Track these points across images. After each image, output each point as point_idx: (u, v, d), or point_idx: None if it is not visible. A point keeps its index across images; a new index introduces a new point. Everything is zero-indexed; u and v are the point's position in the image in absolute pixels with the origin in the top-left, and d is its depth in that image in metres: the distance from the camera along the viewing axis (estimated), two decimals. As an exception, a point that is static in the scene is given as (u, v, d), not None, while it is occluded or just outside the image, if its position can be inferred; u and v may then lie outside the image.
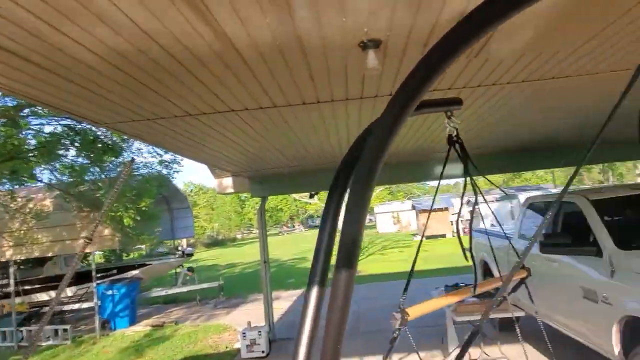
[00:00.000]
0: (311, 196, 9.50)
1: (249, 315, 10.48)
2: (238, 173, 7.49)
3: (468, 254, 2.12)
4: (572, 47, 2.73)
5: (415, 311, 1.83)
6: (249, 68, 2.56)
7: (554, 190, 28.42)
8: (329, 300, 0.74)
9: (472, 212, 2.52)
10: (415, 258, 2.22)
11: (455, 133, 1.81)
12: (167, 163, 11.01)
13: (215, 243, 48.53)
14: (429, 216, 3.85)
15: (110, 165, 9.55)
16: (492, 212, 2.88)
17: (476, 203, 2.22)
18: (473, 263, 2.30)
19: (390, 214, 39.59)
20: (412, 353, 5.91)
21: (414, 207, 34.74)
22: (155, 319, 11.12)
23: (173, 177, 12.60)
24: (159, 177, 10.73)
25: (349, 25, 2.12)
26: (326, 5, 1.90)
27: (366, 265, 18.22)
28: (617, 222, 4.38)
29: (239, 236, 59.14)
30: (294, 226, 64.43)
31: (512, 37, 2.44)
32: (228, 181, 8.34)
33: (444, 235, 28.36)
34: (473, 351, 6.17)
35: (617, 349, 3.95)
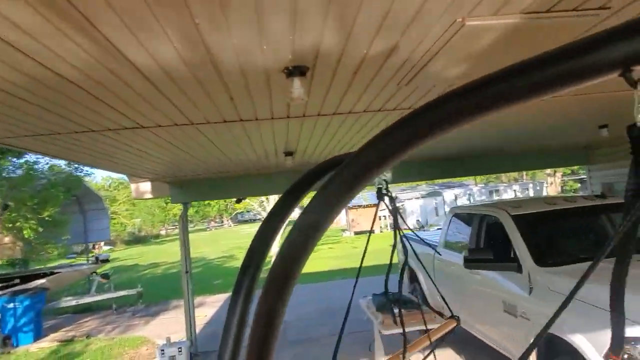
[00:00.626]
0: (238, 201, 9.11)
1: (169, 325, 9.92)
2: (157, 179, 6.94)
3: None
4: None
5: None
6: (156, 88, 2.22)
7: (475, 189, 30.18)
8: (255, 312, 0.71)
9: (395, 218, 2.37)
10: (361, 264, 2.11)
11: (384, 186, 1.63)
12: (77, 164, 10.00)
13: (136, 240, 45.99)
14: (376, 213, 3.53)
15: (10, 167, 8.49)
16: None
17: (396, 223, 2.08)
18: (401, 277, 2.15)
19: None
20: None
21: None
22: (64, 332, 10.14)
23: (88, 174, 11.43)
24: (67, 180, 9.73)
25: (271, 51, 1.86)
26: (241, 31, 1.63)
27: (295, 264, 18.10)
28: (536, 238, 4.52)
29: (163, 232, 56.57)
30: (222, 221, 62.81)
31: (445, 68, 2.32)
32: (146, 186, 7.72)
33: (373, 232, 29.06)
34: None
35: (534, 361, 4.09)
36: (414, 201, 29.12)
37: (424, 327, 5.94)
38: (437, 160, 7.55)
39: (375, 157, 0.72)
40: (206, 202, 56.70)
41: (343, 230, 32.49)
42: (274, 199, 17.39)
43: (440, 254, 6.40)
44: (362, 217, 29.00)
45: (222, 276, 16.50)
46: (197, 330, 7.99)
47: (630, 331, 3.10)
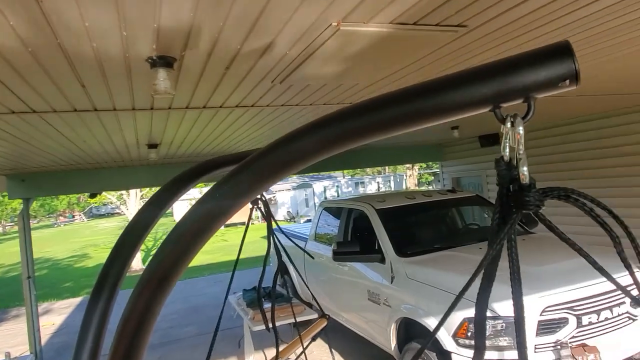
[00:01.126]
0: (92, 196, 8.22)
1: (11, 336, 8.62)
2: (-11, 170, 5.88)
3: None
4: (370, 81, 2.80)
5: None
6: (-17, 70, 1.83)
7: (343, 181, 31.77)
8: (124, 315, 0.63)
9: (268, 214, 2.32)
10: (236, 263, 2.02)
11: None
12: None
13: (-37, 239, 38.89)
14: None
15: None
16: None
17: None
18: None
19: (188, 201, 37.99)
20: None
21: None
22: None
23: None
24: None
25: (132, 38, 1.66)
26: (97, 13, 1.41)
27: (161, 260, 17.11)
28: (398, 230, 4.89)
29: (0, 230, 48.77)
30: (73, 216, 55.88)
31: (319, 69, 2.33)
32: (-26, 179, 6.50)
33: (244, 223, 28.80)
34: (269, 352, 6.28)
35: (393, 344, 4.43)
36: (285, 193, 29.64)
37: (293, 321, 6.07)
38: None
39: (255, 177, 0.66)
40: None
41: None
42: (134, 192, 16.13)
43: (309, 248, 6.58)
44: (232, 208, 28.60)
45: (73, 279, 14.87)
46: (44, 342, 7.05)
47: (473, 311, 3.54)
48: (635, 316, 3.68)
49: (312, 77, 2.46)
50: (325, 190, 28.52)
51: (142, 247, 18.96)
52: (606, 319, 3.55)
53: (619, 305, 3.59)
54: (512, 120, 0.56)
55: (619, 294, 3.57)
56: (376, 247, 4.80)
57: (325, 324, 2.22)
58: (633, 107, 5.26)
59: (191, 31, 1.65)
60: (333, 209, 6.32)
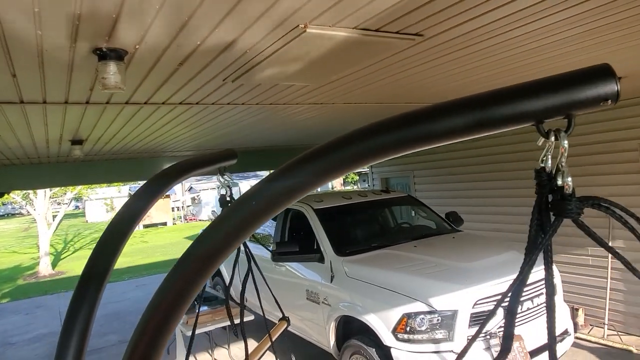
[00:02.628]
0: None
1: None
2: None
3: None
4: (323, 82, 2.81)
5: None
6: None
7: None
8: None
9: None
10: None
11: (229, 193, 1.51)
12: None
13: None
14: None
15: None
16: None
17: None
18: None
19: (103, 200, 35.58)
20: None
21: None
22: None
23: None
24: None
25: (81, 28, 1.52)
26: (51, -1, 1.28)
27: (72, 264, 15.84)
28: (336, 230, 4.96)
29: None
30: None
31: (276, 69, 2.29)
32: None
33: (165, 224, 27.55)
34: (201, 356, 6.09)
35: (332, 341, 4.50)
36: (210, 192, 28.85)
37: (229, 323, 5.93)
38: (262, 152, 7.62)
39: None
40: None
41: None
42: (42, 192, 14.81)
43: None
44: (153, 208, 27.34)
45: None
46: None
47: (412, 307, 3.70)
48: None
49: (267, 77, 2.41)
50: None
51: (51, 250, 17.36)
52: (528, 309, 3.88)
53: (538, 295, 3.94)
54: (555, 134, 0.59)
55: (539, 286, 3.92)
56: (315, 247, 4.83)
57: (285, 326, 2.19)
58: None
59: (151, 26, 1.55)
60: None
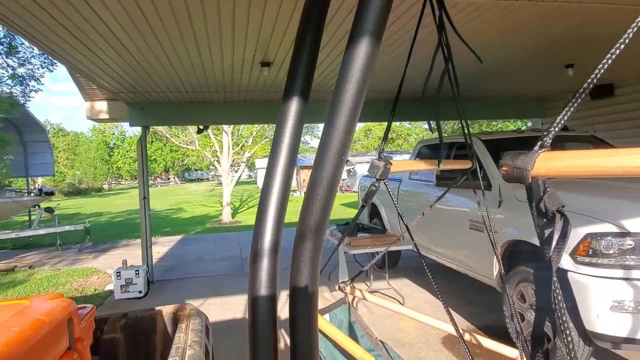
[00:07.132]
0: (199, 131, 8.79)
1: (119, 260, 9.60)
2: (115, 96, 6.49)
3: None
4: None
5: (397, 166, 1.53)
6: None
7: (407, 157, 31.01)
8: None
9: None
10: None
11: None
12: (21, 78, 8.76)
13: (76, 192, 43.62)
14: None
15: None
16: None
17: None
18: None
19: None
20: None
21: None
22: (4, 263, 9.52)
23: (29, 99, 9.92)
24: (7, 99, 8.71)
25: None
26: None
27: (246, 216, 18.00)
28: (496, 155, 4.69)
29: (105, 186, 54.06)
30: (168, 178, 61.16)
31: None
32: (102, 105, 7.22)
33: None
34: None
35: (496, 272, 4.30)
36: (365, 165, 29.56)
37: (387, 247, 6.12)
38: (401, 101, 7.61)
39: None
40: (152, 157, 54.68)
41: (294, 191, 32.55)
42: (227, 152, 16.91)
43: (404, 188, 6.54)
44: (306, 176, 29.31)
45: (171, 226, 16.10)
46: (153, 263, 7.78)
47: (598, 227, 3.32)
48: None
49: None
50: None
51: (230, 205, 19.74)
52: None
53: None
54: None
55: None
56: (481, 176, 4.64)
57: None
58: None
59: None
60: (431, 146, 6.19)
